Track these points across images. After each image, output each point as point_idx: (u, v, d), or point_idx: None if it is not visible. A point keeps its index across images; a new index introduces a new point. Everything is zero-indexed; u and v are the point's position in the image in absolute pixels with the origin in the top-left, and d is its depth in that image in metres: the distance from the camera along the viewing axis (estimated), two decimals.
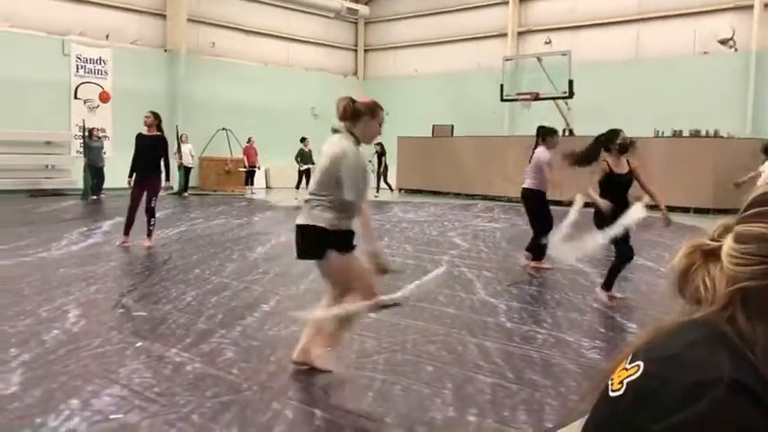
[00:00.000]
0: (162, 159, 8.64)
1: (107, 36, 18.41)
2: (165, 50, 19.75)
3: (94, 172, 15.51)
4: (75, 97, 17.73)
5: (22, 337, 4.54)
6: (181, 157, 17.55)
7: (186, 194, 17.34)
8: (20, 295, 5.89)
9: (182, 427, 3.19)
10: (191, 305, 5.68)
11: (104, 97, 18.22)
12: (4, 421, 3.20)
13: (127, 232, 8.63)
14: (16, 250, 8.16)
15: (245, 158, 19.36)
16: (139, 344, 4.52)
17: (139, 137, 8.77)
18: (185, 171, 17.89)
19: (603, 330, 5.36)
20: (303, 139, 18.36)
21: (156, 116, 8.79)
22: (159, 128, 8.74)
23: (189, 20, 19.98)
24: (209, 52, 20.78)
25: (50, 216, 11.90)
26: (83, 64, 17.83)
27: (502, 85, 18.54)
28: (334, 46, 24.78)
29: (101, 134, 16.69)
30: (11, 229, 10.59)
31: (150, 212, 8.63)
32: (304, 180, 18.11)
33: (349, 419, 3.36)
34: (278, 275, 7.12)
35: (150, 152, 8.55)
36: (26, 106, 15.94)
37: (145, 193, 8.55)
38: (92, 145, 15.76)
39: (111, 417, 3.30)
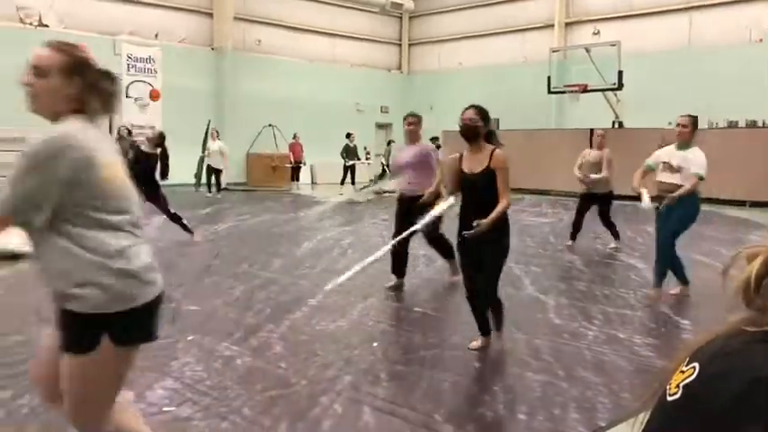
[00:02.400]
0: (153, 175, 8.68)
1: (156, 35, 18.79)
2: (212, 48, 20.06)
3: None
4: (127, 96, 18.16)
5: None
6: (207, 155, 16.31)
7: (219, 194, 15.72)
8: None
9: (233, 420, 3.24)
10: (239, 300, 5.76)
11: (154, 95, 18.61)
12: (27, 406, 3.28)
13: None
14: None
15: (291, 154, 19.55)
16: (191, 337, 4.60)
17: (139, 153, 8.88)
18: (214, 171, 16.20)
19: (656, 327, 5.23)
20: (348, 135, 18.44)
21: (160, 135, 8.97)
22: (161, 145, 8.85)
23: (235, 18, 20.25)
24: (255, 49, 21.03)
25: None
26: (133, 63, 18.23)
27: (549, 78, 18.26)
28: (378, 41, 24.79)
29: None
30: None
31: (173, 218, 8.79)
32: (349, 175, 18.20)
33: (398, 415, 3.35)
34: (324, 270, 7.16)
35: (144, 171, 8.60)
36: None
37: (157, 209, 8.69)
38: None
39: (165, 409, 3.37)
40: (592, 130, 8.86)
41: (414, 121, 6.15)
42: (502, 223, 4.10)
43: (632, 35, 18.52)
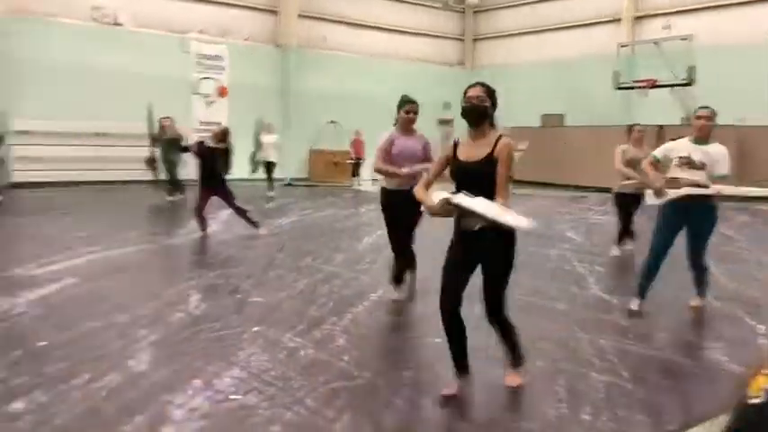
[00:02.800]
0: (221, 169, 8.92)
1: (223, 33, 19.24)
2: (277, 46, 20.39)
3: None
4: (196, 92, 18.66)
5: (150, 319, 4.86)
6: (261, 149, 15.41)
7: (271, 192, 14.73)
8: (147, 280, 6.30)
9: (297, 411, 3.30)
10: (303, 293, 5.86)
11: (222, 92, 19.06)
12: (136, 396, 3.43)
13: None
14: (145, 236, 8.74)
15: (353, 150, 19.70)
16: (256, 329, 4.71)
17: (203, 147, 9.05)
18: (266, 165, 15.32)
19: (728, 330, 5.05)
20: None
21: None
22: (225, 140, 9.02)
23: (299, 15, 20.53)
24: (319, 46, 21.25)
25: (175, 205, 12.61)
26: (201, 60, 18.73)
27: (616, 73, 17.80)
28: (441, 36, 24.68)
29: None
30: (141, 216, 11.35)
31: (239, 212, 8.98)
32: None
33: (460, 411, 3.35)
34: (385, 266, 7.20)
35: (212, 163, 8.85)
36: (153, 102, 16.90)
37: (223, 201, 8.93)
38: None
39: (232, 397, 3.47)
40: (630, 126, 8.19)
41: (416, 110, 5.54)
42: (510, 230, 3.41)
43: (705, 29, 17.85)
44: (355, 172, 19.85)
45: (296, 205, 13.30)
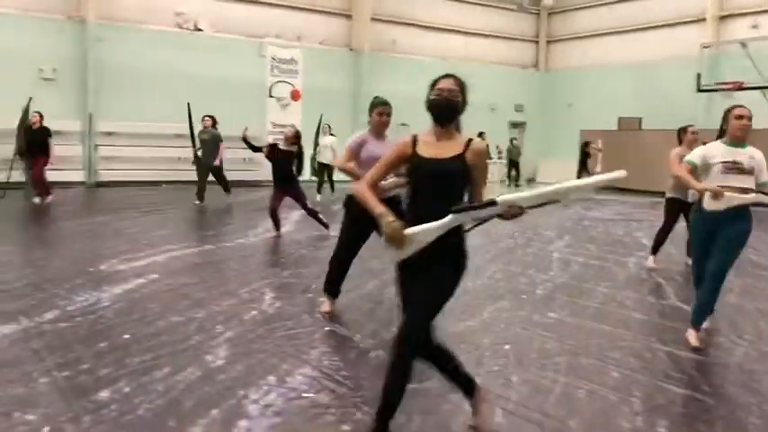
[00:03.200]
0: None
1: (298, 37, 19.62)
2: (350, 49, 20.63)
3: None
4: (270, 96, 19.11)
5: (226, 316, 5.01)
6: (318, 151, 15.23)
7: (333, 193, 14.79)
8: (223, 277, 6.50)
9: (367, 411, 3.34)
10: (372, 294, 5.92)
11: (296, 95, 19.44)
12: (212, 391, 3.55)
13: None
14: (220, 236, 9.02)
15: None
16: (327, 328, 4.79)
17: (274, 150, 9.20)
18: (323, 168, 15.15)
19: None
20: (480, 134, 18.29)
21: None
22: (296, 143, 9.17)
23: (372, 18, 20.71)
24: (391, 49, 21.38)
25: (248, 205, 12.95)
26: (277, 64, 19.15)
27: (699, 75, 17.14)
28: (513, 38, 24.40)
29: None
30: (216, 216, 11.72)
31: (311, 212, 9.16)
32: None
33: (531, 419, 3.31)
34: None
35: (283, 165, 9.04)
36: (230, 105, 17.40)
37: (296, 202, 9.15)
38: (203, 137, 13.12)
39: (304, 395, 3.54)
40: (683, 128, 7.75)
41: (390, 112, 5.18)
42: (462, 243, 2.97)
43: None
44: None
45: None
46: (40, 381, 3.60)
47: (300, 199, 9.12)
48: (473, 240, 9.00)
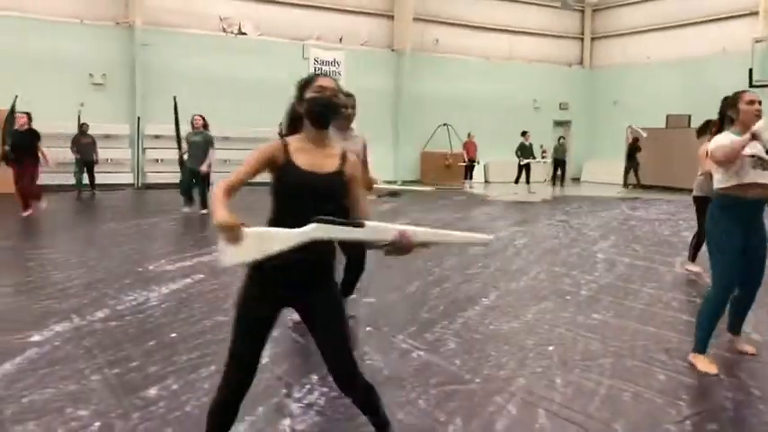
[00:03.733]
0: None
1: (341, 39, 19.74)
2: (392, 50, 20.66)
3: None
4: None
5: None
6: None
7: None
8: None
9: (409, 411, 3.35)
10: (414, 295, 5.92)
11: None
12: (258, 388, 3.58)
13: None
14: None
15: (465, 153, 19.63)
16: (368, 329, 4.82)
17: None
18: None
19: None
20: (524, 133, 18.13)
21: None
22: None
23: (414, 18, 20.70)
24: (433, 49, 21.33)
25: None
26: (319, 66, 19.28)
27: (751, 70, 16.66)
28: (557, 36, 24.08)
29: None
30: (259, 216, 11.83)
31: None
32: (524, 174, 17.90)
33: (574, 421, 3.27)
34: (498, 270, 7.14)
35: None
36: (275, 108, 17.62)
37: None
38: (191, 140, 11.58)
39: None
40: (709, 122, 7.20)
41: (354, 104, 4.92)
42: (331, 261, 2.58)
43: None
44: (467, 174, 19.78)
45: (408, 207, 13.41)
46: (91, 378, 3.72)
47: None
48: (517, 240, 8.89)
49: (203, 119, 11.42)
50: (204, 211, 11.04)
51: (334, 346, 2.57)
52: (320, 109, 2.51)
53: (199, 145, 11.27)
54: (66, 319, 4.85)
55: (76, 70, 15.92)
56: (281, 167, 2.45)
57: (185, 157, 11.76)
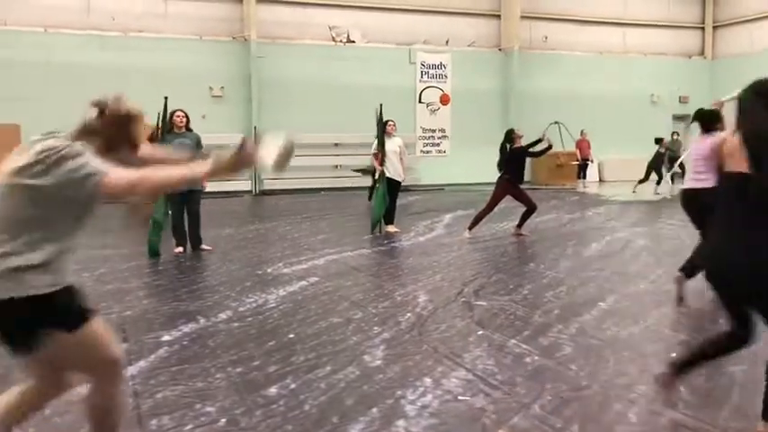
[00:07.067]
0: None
1: (447, 41, 19.73)
2: (500, 50, 20.40)
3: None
4: (420, 101, 19.39)
5: (382, 318, 5.16)
6: (379, 161, 10.06)
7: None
8: (379, 280, 6.71)
9: (524, 416, 3.30)
10: (527, 298, 5.82)
11: (445, 100, 19.58)
12: (371, 390, 3.68)
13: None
14: (375, 240, 9.30)
15: (578, 151, 19.04)
16: (480, 332, 4.79)
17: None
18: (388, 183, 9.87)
19: None
20: (659, 141, 17.35)
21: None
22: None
23: (522, 16, 20.33)
24: (541, 47, 20.87)
25: (404, 209, 13.20)
26: (426, 70, 19.40)
27: None
28: (675, 26, 22.85)
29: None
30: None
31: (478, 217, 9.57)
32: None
33: (701, 431, 3.11)
34: (615, 273, 6.88)
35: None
36: (385, 113, 17.86)
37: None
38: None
39: (460, 398, 3.57)
40: None
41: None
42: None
43: None
44: (581, 174, 19.18)
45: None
46: (216, 376, 3.93)
47: (521, 197, 9.92)
48: (635, 242, 8.55)
49: (187, 116, 8.76)
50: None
51: None
52: None
53: (187, 148, 7.90)
54: (193, 320, 5.15)
55: (197, 84, 16.86)
56: None
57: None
